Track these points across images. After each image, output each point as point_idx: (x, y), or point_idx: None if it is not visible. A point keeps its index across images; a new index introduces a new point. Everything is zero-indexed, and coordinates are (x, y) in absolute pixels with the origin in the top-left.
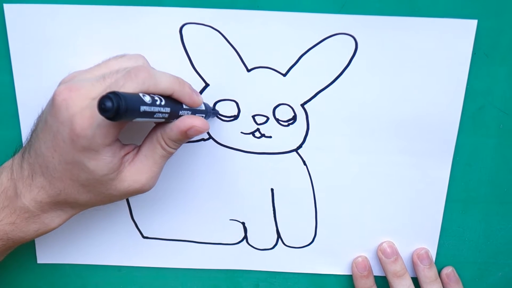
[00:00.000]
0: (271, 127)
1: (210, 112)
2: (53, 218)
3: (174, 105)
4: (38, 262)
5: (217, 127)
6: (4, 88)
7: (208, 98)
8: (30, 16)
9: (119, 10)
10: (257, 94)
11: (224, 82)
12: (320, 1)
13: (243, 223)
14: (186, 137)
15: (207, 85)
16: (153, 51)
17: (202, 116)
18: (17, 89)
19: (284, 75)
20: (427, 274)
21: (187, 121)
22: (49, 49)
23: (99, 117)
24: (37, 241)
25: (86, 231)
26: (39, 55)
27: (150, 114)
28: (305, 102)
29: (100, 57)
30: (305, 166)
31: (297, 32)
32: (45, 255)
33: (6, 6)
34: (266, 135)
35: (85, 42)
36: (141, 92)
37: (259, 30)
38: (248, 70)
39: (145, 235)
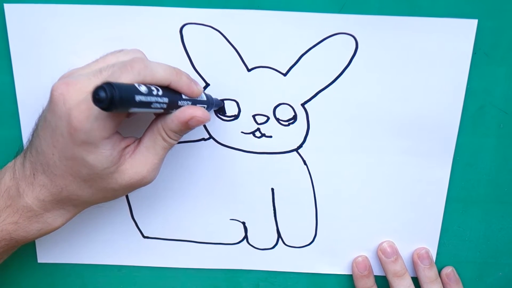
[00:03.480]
0: (271, 127)
1: (213, 104)
2: (56, 218)
3: (173, 95)
4: (39, 261)
5: (217, 127)
6: (4, 88)
7: None
8: (30, 16)
9: (119, 10)
10: (257, 94)
11: (224, 82)
12: (320, 1)
13: (243, 223)
14: (187, 128)
15: (207, 85)
16: (154, 51)
17: (204, 107)
18: (17, 89)
19: (285, 74)
20: (427, 274)
21: (188, 111)
22: (49, 49)
23: (96, 110)
24: (37, 240)
25: (86, 230)
26: (39, 55)
27: (147, 104)
28: (306, 102)
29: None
30: (305, 166)
31: (297, 32)
32: (45, 255)
33: (6, 6)
34: (266, 134)
35: (85, 42)
36: (138, 83)
37: (259, 30)
38: (249, 70)
39: (145, 234)
